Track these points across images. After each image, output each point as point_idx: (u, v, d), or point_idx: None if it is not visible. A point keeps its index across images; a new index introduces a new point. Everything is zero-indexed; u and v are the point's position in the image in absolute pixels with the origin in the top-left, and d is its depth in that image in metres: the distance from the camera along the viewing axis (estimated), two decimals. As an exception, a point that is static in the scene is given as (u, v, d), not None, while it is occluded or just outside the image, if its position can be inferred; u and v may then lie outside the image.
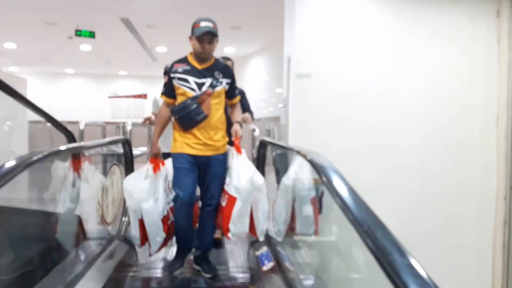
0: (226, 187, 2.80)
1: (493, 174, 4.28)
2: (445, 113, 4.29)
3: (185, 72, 2.74)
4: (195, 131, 2.73)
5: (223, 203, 2.80)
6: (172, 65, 2.80)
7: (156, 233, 2.82)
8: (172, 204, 2.87)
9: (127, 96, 15.30)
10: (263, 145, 3.68)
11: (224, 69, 2.83)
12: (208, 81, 2.72)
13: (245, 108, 3.66)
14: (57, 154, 2.19)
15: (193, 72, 2.74)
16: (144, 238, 2.90)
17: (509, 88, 4.17)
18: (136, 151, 3.88)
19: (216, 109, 2.76)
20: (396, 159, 4.21)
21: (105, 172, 3.28)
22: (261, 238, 2.86)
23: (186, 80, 2.73)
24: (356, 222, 1.20)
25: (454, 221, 4.30)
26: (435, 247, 4.12)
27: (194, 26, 2.71)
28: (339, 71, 4.20)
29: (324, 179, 1.65)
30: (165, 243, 2.94)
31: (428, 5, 4.23)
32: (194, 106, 2.67)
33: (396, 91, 4.25)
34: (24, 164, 1.67)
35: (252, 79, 10.49)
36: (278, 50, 4.71)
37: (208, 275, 2.83)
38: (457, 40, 4.28)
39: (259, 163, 3.66)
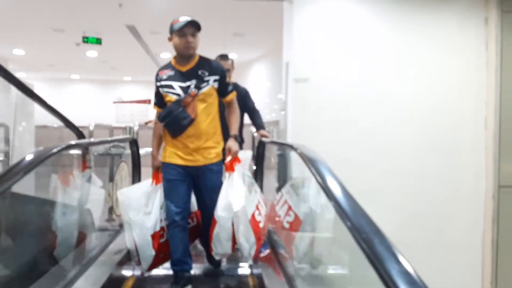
0: None
1: (482, 174, 4.45)
2: (438, 116, 4.46)
3: (169, 78, 2.59)
4: (184, 138, 2.54)
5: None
6: (157, 73, 2.65)
7: (145, 248, 2.65)
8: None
9: (131, 102, 15.56)
10: (261, 145, 3.88)
11: (210, 65, 2.62)
12: (193, 82, 2.55)
13: (249, 108, 3.68)
14: (73, 147, 2.41)
15: (177, 76, 2.58)
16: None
17: (497, 92, 4.36)
18: (141, 151, 4.09)
19: (205, 113, 2.56)
20: (391, 162, 4.35)
21: (113, 169, 3.48)
22: (249, 261, 2.72)
23: (171, 87, 2.57)
24: (354, 228, 1.20)
25: (446, 221, 4.44)
26: (427, 246, 4.26)
27: (173, 23, 2.58)
28: (336, 77, 4.36)
29: (313, 170, 1.83)
30: (158, 261, 2.72)
31: (422, 12, 4.40)
32: (179, 110, 2.49)
33: (391, 96, 4.42)
34: (46, 155, 1.89)
35: (254, 85, 10.65)
36: (279, 56, 4.88)
37: (212, 265, 2.96)
38: (449, 46, 4.46)
39: (258, 162, 3.86)
